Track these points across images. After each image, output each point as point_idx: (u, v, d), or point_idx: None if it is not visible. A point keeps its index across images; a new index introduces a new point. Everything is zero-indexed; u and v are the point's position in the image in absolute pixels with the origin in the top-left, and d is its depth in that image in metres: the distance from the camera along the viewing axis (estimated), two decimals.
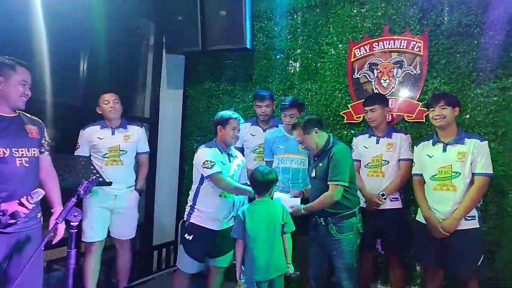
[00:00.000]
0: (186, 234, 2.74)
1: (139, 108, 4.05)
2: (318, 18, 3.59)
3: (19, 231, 2.00)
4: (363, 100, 3.12)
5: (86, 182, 1.84)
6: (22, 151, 2.03)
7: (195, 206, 2.75)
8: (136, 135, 3.19)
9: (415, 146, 2.81)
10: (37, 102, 2.64)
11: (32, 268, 1.87)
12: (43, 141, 2.20)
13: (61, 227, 2.10)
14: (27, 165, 2.03)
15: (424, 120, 3.09)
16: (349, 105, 3.43)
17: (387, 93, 3.27)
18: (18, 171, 1.99)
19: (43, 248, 1.85)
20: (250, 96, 3.82)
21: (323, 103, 3.53)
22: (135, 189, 3.17)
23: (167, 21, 3.85)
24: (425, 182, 2.67)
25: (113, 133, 3.07)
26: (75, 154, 3.01)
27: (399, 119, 3.24)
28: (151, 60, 4.03)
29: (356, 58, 3.42)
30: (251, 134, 3.35)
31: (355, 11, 3.45)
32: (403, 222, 2.89)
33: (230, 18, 3.58)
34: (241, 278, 2.50)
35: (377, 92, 3.29)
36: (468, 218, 2.47)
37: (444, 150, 2.56)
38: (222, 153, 2.74)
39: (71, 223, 1.78)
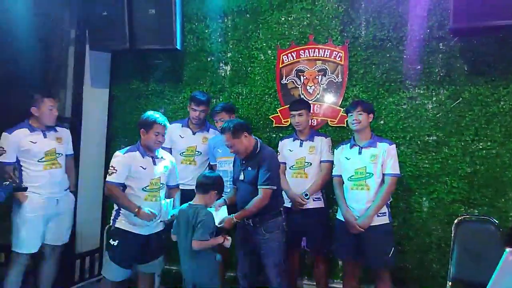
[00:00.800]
0: (111, 240, 2.65)
1: (59, 107, 3.77)
2: (248, 23, 3.68)
3: None
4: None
5: None
6: None
7: (121, 211, 2.66)
8: (66, 136, 3.09)
9: (335, 149, 3.02)
10: None
11: None
12: None
13: None
14: None
15: (345, 125, 3.32)
16: (277, 110, 3.57)
17: (312, 99, 3.47)
18: None
19: None
20: (180, 98, 3.79)
21: (253, 107, 3.63)
22: (70, 191, 3.08)
23: (90, 15, 3.64)
24: (343, 183, 2.88)
25: (45, 136, 2.92)
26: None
27: (323, 123, 3.45)
28: (72, 55, 3.78)
29: (284, 64, 3.57)
30: (180, 136, 3.31)
31: (283, 19, 3.60)
32: (325, 221, 3.09)
33: (160, 17, 3.50)
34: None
35: (304, 97, 3.47)
36: (379, 215, 2.73)
37: (360, 152, 2.81)
38: (144, 157, 2.66)
39: None
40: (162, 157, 2.78)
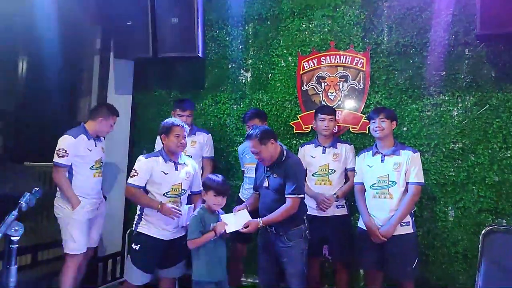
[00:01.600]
0: (133, 244, 2.69)
1: (84, 113, 3.89)
2: (269, 30, 3.71)
3: None
4: (312, 111, 3.27)
5: (29, 194, 1.74)
6: None
7: (143, 215, 2.70)
8: (104, 147, 3.26)
9: (356, 156, 2.98)
10: None
11: None
12: None
13: None
14: None
15: (367, 132, 3.29)
16: (298, 116, 3.56)
17: (333, 105, 3.44)
18: None
19: None
20: (201, 105, 3.83)
21: (274, 114, 3.64)
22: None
23: (115, 25, 3.74)
24: (365, 190, 2.84)
25: (96, 145, 3.10)
26: (58, 161, 2.89)
27: (344, 130, 3.43)
28: (97, 64, 3.89)
29: (305, 71, 3.57)
30: None
31: (303, 26, 3.60)
32: (348, 229, 3.05)
33: (182, 25, 3.57)
34: None
35: (325, 104, 3.45)
36: (403, 224, 2.67)
37: (382, 160, 2.76)
38: (166, 162, 2.69)
39: (12, 238, 1.67)
40: (184, 163, 2.80)
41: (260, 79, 3.73)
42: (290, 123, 3.58)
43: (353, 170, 2.99)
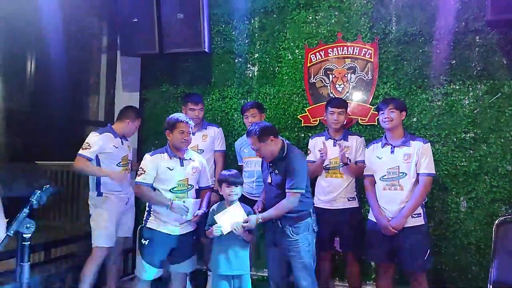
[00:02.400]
0: (143, 239, 2.71)
1: (93, 111, 3.92)
2: (275, 24, 3.67)
3: None
4: (320, 104, 3.25)
5: (40, 191, 1.76)
6: None
7: (152, 211, 2.72)
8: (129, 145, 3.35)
9: (366, 149, 2.95)
10: None
11: None
12: None
13: None
14: None
15: (376, 123, 3.25)
16: (306, 109, 3.53)
17: (342, 97, 3.40)
18: None
19: None
20: (209, 100, 3.82)
21: (281, 107, 3.61)
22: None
23: (121, 22, 3.74)
24: (375, 183, 2.81)
25: (122, 143, 3.19)
26: (81, 153, 2.97)
27: (353, 122, 3.39)
28: (105, 62, 3.91)
29: (312, 63, 3.54)
30: None
31: (310, 17, 3.56)
32: (359, 221, 3.02)
33: (188, 21, 3.56)
34: None
35: (333, 96, 3.42)
36: (414, 216, 2.63)
37: (392, 151, 2.72)
38: (171, 158, 2.70)
39: (24, 235, 1.69)
40: (190, 158, 2.80)
41: (267, 73, 3.70)
42: (298, 116, 3.55)
43: (362, 162, 2.95)
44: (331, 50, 3.48)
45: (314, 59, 3.53)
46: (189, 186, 2.74)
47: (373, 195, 2.79)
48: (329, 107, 3.04)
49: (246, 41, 3.77)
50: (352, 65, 3.42)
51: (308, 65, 3.54)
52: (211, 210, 2.67)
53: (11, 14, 2.78)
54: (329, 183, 2.98)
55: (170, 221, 2.67)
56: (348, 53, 3.43)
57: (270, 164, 2.66)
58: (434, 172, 2.70)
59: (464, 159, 3.07)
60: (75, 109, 3.60)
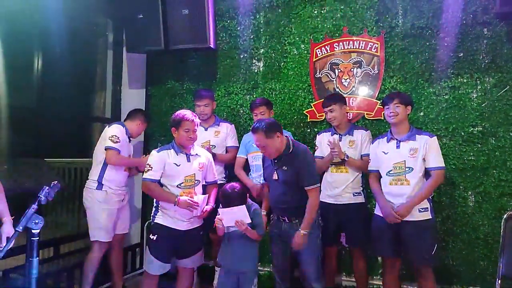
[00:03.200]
0: (151, 235, 2.74)
1: (99, 108, 3.94)
2: (280, 18, 3.65)
3: None
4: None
5: (48, 187, 1.78)
6: None
7: (159, 207, 2.74)
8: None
9: (371, 144, 2.93)
10: None
11: None
12: None
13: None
14: None
15: (382, 118, 3.22)
16: (312, 104, 3.52)
17: (348, 92, 3.39)
18: None
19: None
20: (215, 96, 3.81)
21: (287, 102, 3.60)
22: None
23: (126, 19, 3.75)
24: (381, 177, 2.79)
25: (129, 141, 3.28)
26: (112, 146, 3.03)
27: (359, 116, 3.37)
28: (110, 58, 3.92)
29: (317, 58, 3.52)
30: None
31: (315, 12, 3.54)
32: (365, 216, 3.01)
33: (193, 17, 3.55)
34: None
35: (339, 91, 3.40)
36: (421, 210, 2.62)
37: (398, 146, 2.70)
38: (178, 154, 2.71)
39: (33, 231, 1.71)
40: (197, 154, 2.81)
41: (272, 68, 3.69)
42: (304, 112, 3.54)
43: (367, 155, 2.94)
44: (336, 44, 3.46)
45: (319, 53, 3.51)
46: (196, 182, 2.75)
47: (377, 188, 2.77)
48: (323, 107, 3.06)
49: (252, 37, 3.76)
50: (358, 59, 3.39)
51: (314, 60, 3.52)
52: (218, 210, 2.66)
53: (17, 12, 2.80)
54: (334, 178, 2.98)
55: (177, 216, 2.69)
56: (354, 47, 3.41)
57: (275, 161, 2.63)
58: (444, 165, 2.68)
59: (472, 153, 3.05)
60: (82, 106, 3.61)
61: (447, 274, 3.06)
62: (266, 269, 3.45)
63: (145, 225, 3.81)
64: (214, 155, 3.19)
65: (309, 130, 3.53)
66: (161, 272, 2.75)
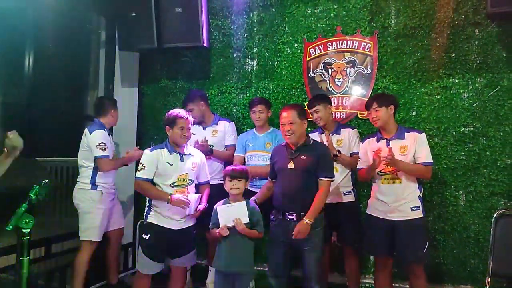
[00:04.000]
0: (144, 234, 2.72)
1: (91, 106, 3.90)
2: (274, 18, 3.66)
3: None
4: None
5: (38, 186, 1.76)
6: None
7: (152, 206, 2.73)
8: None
9: (360, 143, 2.93)
10: None
11: None
12: None
13: None
14: None
15: None
16: (305, 103, 3.51)
17: (341, 91, 3.41)
18: None
19: None
20: (208, 95, 3.80)
21: (280, 101, 3.61)
22: None
23: (119, 17, 3.72)
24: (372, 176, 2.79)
25: (112, 138, 3.30)
26: (103, 154, 3.04)
27: (352, 116, 3.39)
28: (103, 56, 3.89)
29: (311, 57, 3.53)
30: (192, 133, 3.33)
31: (309, 11, 3.55)
32: (356, 215, 3.03)
33: (186, 15, 3.54)
34: None
35: (332, 90, 3.41)
36: (413, 209, 2.63)
37: (388, 145, 2.71)
38: (171, 153, 2.70)
39: (23, 230, 1.69)
40: (190, 154, 2.81)
41: (266, 67, 3.69)
42: None
43: (357, 153, 2.95)
44: (330, 44, 3.47)
45: (313, 53, 3.52)
46: (189, 181, 2.74)
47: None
48: (308, 109, 3.07)
49: (245, 35, 3.75)
50: (351, 59, 3.41)
51: (307, 59, 3.53)
52: (215, 207, 2.63)
53: (9, 9, 2.77)
54: None
55: (170, 215, 2.68)
56: (347, 47, 3.42)
57: (293, 151, 2.60)
58: (432, 161, 2.68)
59: (463, 153, 3.08)
60: (73, 104, 3.58)
61: (438, 273, 3.09)
62: (259, 268, 3.44)
63: (138, 224, 3.78)
64: (211, 150, 3.18)
65: None
66: (154, 271, 2.74)
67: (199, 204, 2.74)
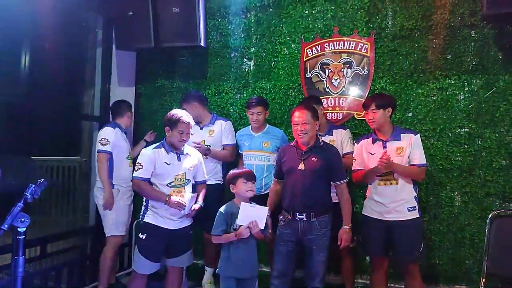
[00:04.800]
0: (140, 234, 2.71)
1: (88, 106, 3.89)
2: (271, 18, 3.66)
3: None
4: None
5: (34, 185, 1.75)
6: None
7: (149, 206, 2.72)
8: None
9: (355, 143, 2.92)
10: None
11: None
12: None
13: None
14: None
15: None
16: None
17: (338, 92, 3.42)
18: None
19: None
20: (204, 95, 3.80)
21: (277, 102, 3.61)
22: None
23: (116, 16, 3.71)
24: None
25: (126, 137, 3.42)
26: (102, 149, 3.15)
27: (349, 116, 3.40)
28: (100, 56, 3.88)
29: (308, 58, 3.53)
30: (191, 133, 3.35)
31: (306, 12, 3.55)
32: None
33: (183, 15, 3.54)
34: None
35: (329, 91, 3.43)
36: (410, 209, 2.64)
37: (384, 147, 2.71)
38: (168, 153, 2.70)
39: (19, 229, 1.68)
40: (187, 153, 2.80)
41: (263, 68, 3.69)
42: None
43: (349, 153, 2.95)
44: (327, 44, 3.47)
45: (310, 53, 3.53)
46: (186, 181, 2.74)
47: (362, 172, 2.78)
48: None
49: (242, 36, 3.76)
50: (348, 59, 3.42)
51: (304, 59, 3.54)
52: (222, 210, 2.56)
53: (4, 7, 2.75)
54: None
55: (167, 215, 2.68)
56: (344, 47, 3.43)
57: (303, 152, 2.60)
58: (426, 163, 2.69)
59: (459, 154, 3.09)
60: (70, 103, 3.57)
61: (433, 273, 3.10)
62: (263, 269, 3.44)
63: (134, 224, 3.77)
64: (209, 150, 3.18)
65: None
66: (151, 271, 2.73)
67: (195, 203, 2.74)
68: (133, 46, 3.81)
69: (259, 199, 2.73)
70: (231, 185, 2.58)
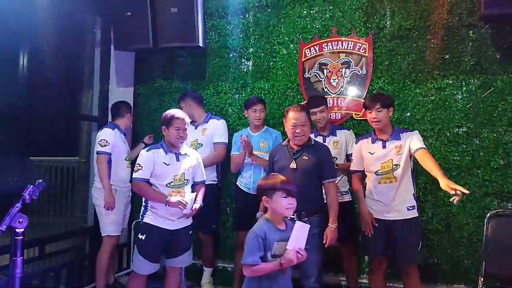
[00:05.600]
0: (139, 234, 2.72)
1: (86, 106, 3.88)
2: (269, 18, 3.66)
3: None
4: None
5: (32, 186, 1.75)
6: None
7: (148, 206, 2.72)
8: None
9: (354, 144, 2.92)
10: None
11: None
12: None
13: None
14: None
15: None
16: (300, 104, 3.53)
17: (336, 92, 3.42)
18: None
19: None
20: (203, 95, 3.81)
21: (276, 102, 3.61)
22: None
23: (115, 16, 3.71)
24: (364, 177, 2.80)
25: (125, 139, 3.44)
26: (101, 150, 3.16)
27: (347, 117, 3.40)
28: (98, 56, 3.88)
29: (306, 58, 3.54)
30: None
31: (304, 12, 3.56)
32: (352, 215, 3.04)
33: (182, 15, 3.54)
34: None
35: (327, 91, 3.43)
36: (409, 208, 2.64)
37: (384, 146, 2.71)
38: (167, 154, 2.70)
39: (17, 230, 1.68)
40: (186, 154, 2.81)
41: (261, 68, 3.70)
42: None
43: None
44: (325, 44, 3.48)
45: (308, 53, 3.53)
46: (185, 181, 2.74)
47: (360, 190, 2.79)
48: (309, 108, 3.02)
49: (241, 36, 3.76)
50: (347, 59, 3.42)
51: (303, 59, 3.54)
52: (257, 231, 2.03)
53: (3, 8, 2.75)
54: None
55: (166, 216, 2.68)
56: (343, 47, 3.43)
57: (295, 151, 2.62)
58: (425, 147, 2.66)
59: (457, 154, 3.10)
60: (69, 104, 3.57)
61: (432, 272, 3.11)
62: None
63: (133, 224, 3.78)
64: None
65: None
66: (150, 272, 2.73)
67: (194, 203, 2.74)
68: (132, 47, 3.81)
69: (255, 199, 2.73)
70: (264, 197, 2.09)
